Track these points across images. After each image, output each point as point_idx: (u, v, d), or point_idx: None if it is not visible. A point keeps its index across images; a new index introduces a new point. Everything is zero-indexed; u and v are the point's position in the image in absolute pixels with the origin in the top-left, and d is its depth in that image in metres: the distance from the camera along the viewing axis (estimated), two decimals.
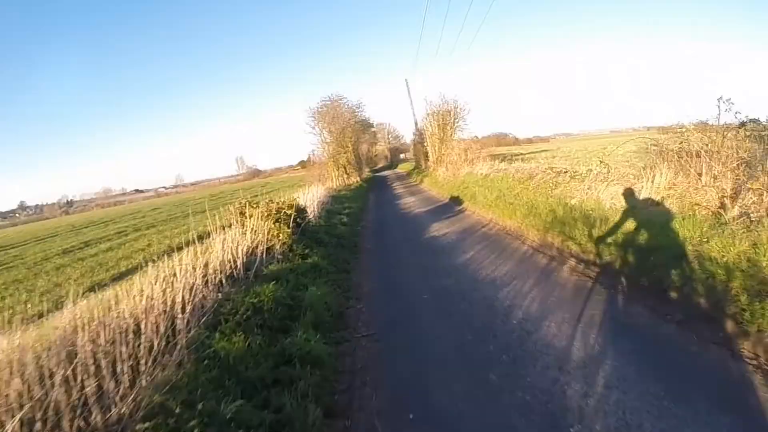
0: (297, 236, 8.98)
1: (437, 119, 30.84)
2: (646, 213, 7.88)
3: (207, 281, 5.65)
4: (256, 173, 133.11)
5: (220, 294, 5.50)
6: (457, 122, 29.87)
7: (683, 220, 6.76)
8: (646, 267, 6.18)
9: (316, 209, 13.41)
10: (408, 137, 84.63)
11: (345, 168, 36.82)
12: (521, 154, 32.96)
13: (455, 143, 28.15)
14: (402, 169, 60.00)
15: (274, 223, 8.42)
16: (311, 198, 14.35)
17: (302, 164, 36.53)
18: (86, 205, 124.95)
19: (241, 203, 9.25)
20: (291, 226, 8.71)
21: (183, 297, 4.52)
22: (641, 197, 8.64)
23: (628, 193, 8.99)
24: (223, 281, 5.96)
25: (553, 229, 9.23)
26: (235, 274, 6.59)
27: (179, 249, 6.74)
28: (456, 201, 17.40)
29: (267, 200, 9.62)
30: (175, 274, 5.13)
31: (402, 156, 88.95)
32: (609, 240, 7.53)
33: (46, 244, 32.11)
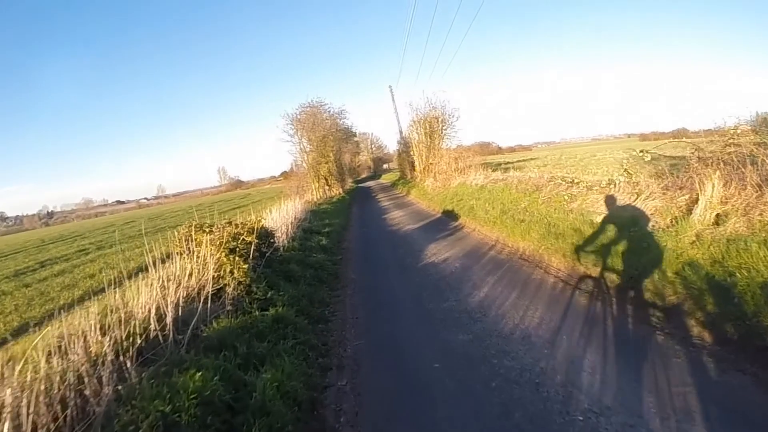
0: (260, 270, 6.94)
1: (424, 126, 29.16)
2: (710, 234, 6.03)
3: (102, 361, 3.58)
4: (239, 184, 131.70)
5: (120, 387, 3.43)
6: (446, 129, 28.17)
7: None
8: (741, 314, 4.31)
9: (289, 230, 11.40)
10: (391, 147, 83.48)
11: (326, 179, 34.77)
12: (509, 162, 31.43)
13: (444, 152, 26.41)
14: (386, 179, 58.34)
15: (226, 256, 6.36)
16: (284, 216, 12.34)
17: (285, 175, 34.30)
18: (66, 216, 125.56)
19: (188, 227, 7.24)
20: (252, 257, 6.67)
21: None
22: (697, 214, 6.75)
23: (672, 209, 7.19)
24: (133, 358, 3.86)
25: (586, 256, 7.33)
26: (160, 337, 4.51)
27: (129, 277, 5.95)
28: (450, 215, 15.51)
29: (225, 222, 7.58)
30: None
31: (385, 166, 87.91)
32: (669, 274, 5.66)
33: (2, 263, 29.65)
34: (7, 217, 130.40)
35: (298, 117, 33.26)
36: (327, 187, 34.32)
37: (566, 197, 10.86)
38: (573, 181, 12.13)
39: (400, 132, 39.78)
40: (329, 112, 34.86)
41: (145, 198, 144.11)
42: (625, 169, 10.38)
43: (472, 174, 21.17)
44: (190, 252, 6.73)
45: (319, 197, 30.06)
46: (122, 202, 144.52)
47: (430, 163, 27.96)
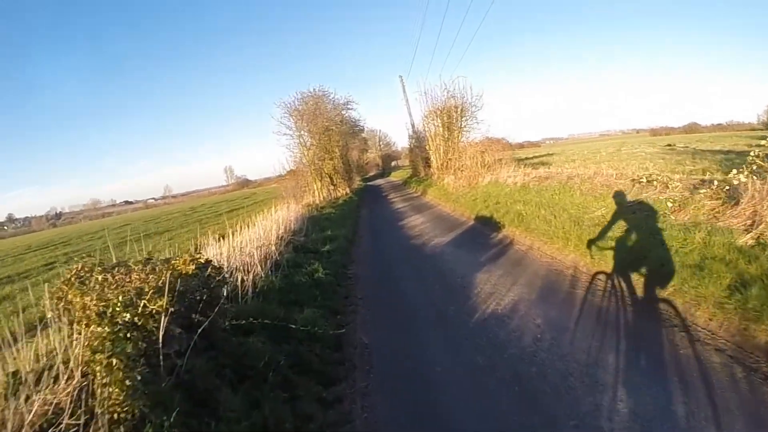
0: (181, 367, 3.42)
1: (441, 117, 25.37)
2: None
3: None
4: (245, 183, 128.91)
5: None
6: (467, 120, 24.50)
7: None
8: None
9: (272, 255, 8.08)
10: (400, 144, 79.81)
11: (331, 177, 31.10)
12: (527, 158, 27.86)
13: (468, 145, 22.79)
14: (396, 177, 54.77)
15: (93, 353, 2.91)
16: (264, 234, 9.05)
17: (291, 173, 30.43)
18: (74, 217, 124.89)
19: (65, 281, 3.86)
20: (163, 342, 3.20)
21: None
22: None
23: None
24: None
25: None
26: None
27: None
28: (488, 224, 12.03)
29: (140, 260, 4.15)
30: None
31: (394, 164, 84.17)
32: None
33: None
34: (16, 219, 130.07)
35: (297, 107, 29.42)
36: (332, 187, 30.72)
37: (668, 202, 7.50)
38: (657, 180, 8.75)
39: (412, 125, 36.09)
40: (333, 102, 31.19)
41: (153, 198, 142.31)
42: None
43: (503, 170, 17.76)
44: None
45: (322, 199, 26.55)
46: (130, 203, 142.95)
47: (449, 159, 24.43)
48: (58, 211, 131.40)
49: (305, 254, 9.61)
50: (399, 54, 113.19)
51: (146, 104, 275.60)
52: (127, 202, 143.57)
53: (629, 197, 8.56)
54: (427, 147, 29.37)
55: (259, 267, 7.05)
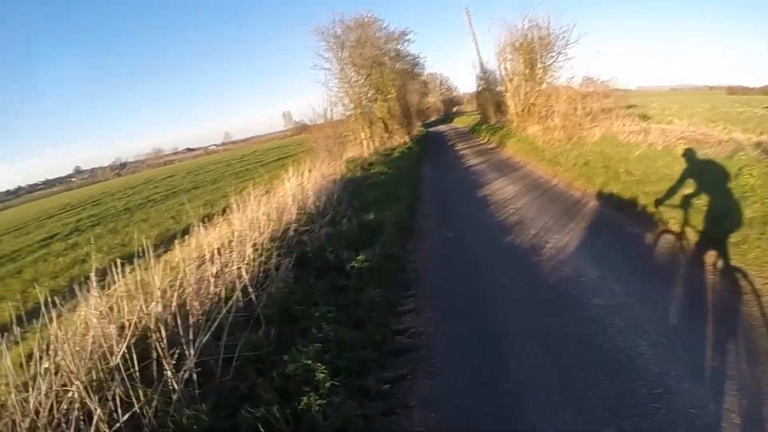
0: None
1: (522, 52, 20.62)
2: None
3: None
4: (303, 128, 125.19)
5: None
6: (554, 56, 19.79)
7: None
8: None
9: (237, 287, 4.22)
10: (461, 90, 73.73)
11: (386, 123, 26.29)
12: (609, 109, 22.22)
13: (562, 87, 18.13)
14: (460, 123, 49.28)
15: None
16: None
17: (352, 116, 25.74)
18: (137, 166, 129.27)
19: None
20: None
21: None
22: None
23: None
24: None
25: None
26: None
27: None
28: (628, 209, 7.41)
29: None
30: None
31: (456, 109, 78.07)
32: None
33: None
34: (82, 170, 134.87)
35: (336, 32, 23.85)
36: (386, 135, 25.97)
37: None
38: None
39: (481, 64, 31.29)
40: (384, 31, 25.45)
41: (214, 145, 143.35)
42: None
43: (617, 124, 13.18)
44: None
45: (373, 150, 21.87)
46: (192, 150, 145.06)
47: (533, 104, 19.79)
48: (122, 161, 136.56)
49: (315, 280, 5.43)
50: None
51: (205, 52, 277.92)
52: (188, 149, 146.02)
53: None
54: (501, 89, 25.31)
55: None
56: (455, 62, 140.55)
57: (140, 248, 4.59)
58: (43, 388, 2.98)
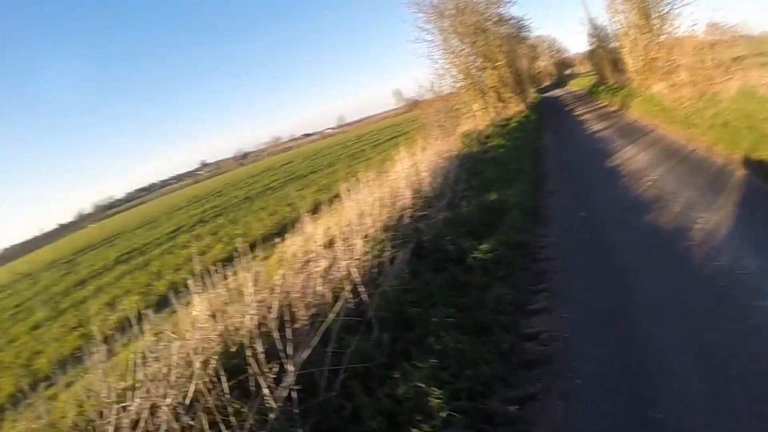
0: None
1: (634, 1, 19.59)
2: None
3: None
4: (415, 105, 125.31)
5: None
6: (670, 2, 18.60)
7: None
8: None
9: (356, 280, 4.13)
10: (573, 50, 70.10)
11: (498, 93, 25.31)
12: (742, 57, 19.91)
13: (684, 38, 16.83)
14: (575, 86, 47.09)
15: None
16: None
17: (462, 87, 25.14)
18: (258, 155, 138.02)
19: None
20: None
21: None
22: None
23: None
24: None
25: None
26: None
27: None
28: None
29: None
30: None
31: (568, 72, 74.58)
32: None
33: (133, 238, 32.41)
34: (208, 163, 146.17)
35: (432, 1, 23.35)
36: (500, 104, 25.07)
37: None
38: None
39: (591, 21, 30.22)
40: None
41: (329, 128, 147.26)
42: None
43: (754, 75, 11.77)
44: None
45: (488, 122, 20.96)
46: (308, 135, 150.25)
47: (653, 58, 18.59)
48: (244, 152, 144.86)
49: (433, 274, 5.01)
50: None
51: (315, 39, 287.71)
52: (305, 135, 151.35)
53: None
54: (615, 45, 24.39)
55: None
56: (562, 23, 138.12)
57: (256, 239, 4.80)
58: (137, 401, 2.97)
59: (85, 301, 17.01)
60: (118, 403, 3.00)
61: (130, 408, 2.92)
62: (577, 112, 23.45)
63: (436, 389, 3.04)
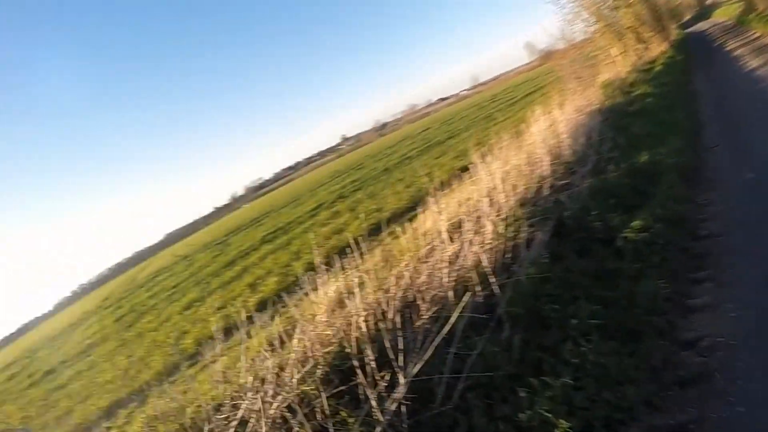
0: None
1: None
2: None
3: None
4: (549, 56, 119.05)
5: None
6: None
7: None
8: None
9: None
10: None
11: (637, 33, 23.37)
12: None
13: None
14: (721, 16, 41.84)
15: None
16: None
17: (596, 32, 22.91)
18: (396, 124, 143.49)
19: None
20: None
21: None
22: None
23: None
24: None
25: None
26: None
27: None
28: None
29: None
30: None
31: (709, 2, 66.73)
32: None
33: (279, 217, 34.04)
34: (348, 137, 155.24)
35: None
36: (641, 46, 23.14)
37: None
38: None
39: None
40: None
41: (464, 90, 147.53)
42: None
43: None
44: None
45: (630, 68, 19.22)
46: (444, 99, 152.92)
47: None
48: (382, 123, 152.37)
49: (577, 259, 4.36)
50: None
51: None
52: (441, 99, 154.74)
53: None
54: None
55: None
56: None
57: (391, 214, 4.83)
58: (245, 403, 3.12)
59: (231, 281, 18.15)
60: (232, 399, 3.27)
61: (240, 409, 3.08)
62: (728, 47, 20.32)
63: (564, 422, 2.57)
